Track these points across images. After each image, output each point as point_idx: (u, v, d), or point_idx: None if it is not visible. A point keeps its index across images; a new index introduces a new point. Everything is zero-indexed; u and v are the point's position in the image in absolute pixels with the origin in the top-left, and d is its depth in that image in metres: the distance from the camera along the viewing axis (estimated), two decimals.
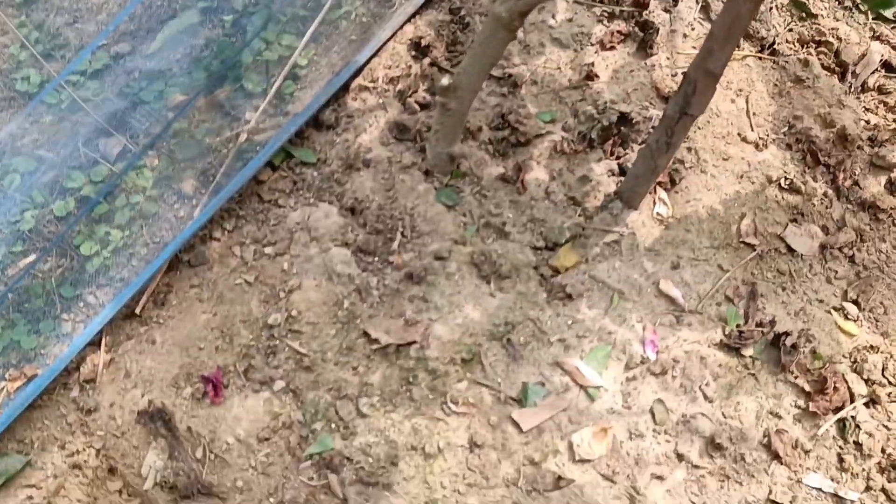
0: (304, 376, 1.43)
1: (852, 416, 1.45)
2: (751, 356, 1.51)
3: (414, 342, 1.47)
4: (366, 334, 1.48)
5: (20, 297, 1.54)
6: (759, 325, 1.54)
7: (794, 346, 1.50)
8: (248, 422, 1.38)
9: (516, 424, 1.41)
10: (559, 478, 1.35)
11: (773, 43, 1.93)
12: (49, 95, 1.84)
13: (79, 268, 1.58)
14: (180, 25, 2.00)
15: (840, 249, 1.67)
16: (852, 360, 1.53)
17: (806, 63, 1.89)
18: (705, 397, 1.45)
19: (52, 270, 1.57)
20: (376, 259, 1.61)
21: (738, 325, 1.54)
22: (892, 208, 1.70)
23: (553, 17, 1.90)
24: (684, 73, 1.36)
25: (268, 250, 1.60)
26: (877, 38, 1.98)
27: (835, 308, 1.61)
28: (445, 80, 1.54)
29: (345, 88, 1.82)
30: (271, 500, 1.32)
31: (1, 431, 1.33)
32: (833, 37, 1.94)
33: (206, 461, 1.35)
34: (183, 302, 1.53)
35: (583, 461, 1.37)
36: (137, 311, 1.50)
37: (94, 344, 1.47)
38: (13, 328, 1.50)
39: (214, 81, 1.86)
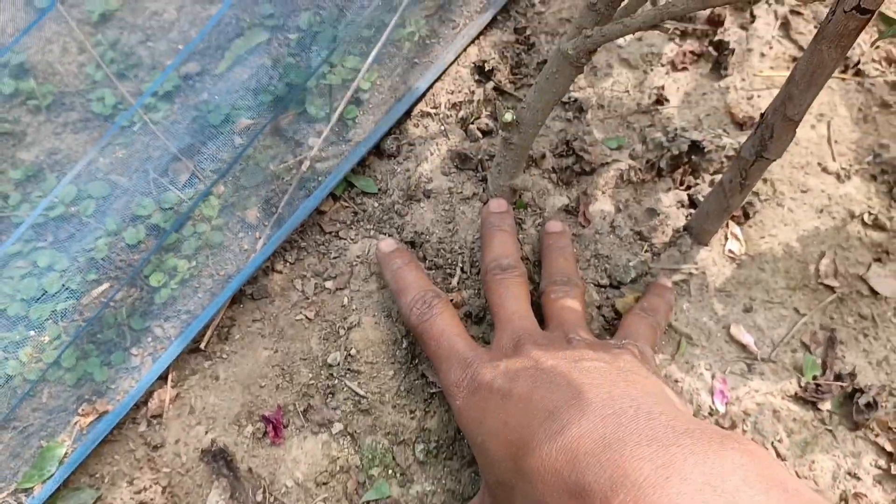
0: (362, 419, 1.38)
1: None
2: (828, 410, 1.38)
3: None
4: (423, 376, 1.42)
5: (93, 328, 1.52)
6: (838, 377, 1.40)
7: (875, 402, 1.36)
8: (306, 465, 1.34)
9: None
10: None
11: (858, 63, 1.75)
12: (121, 117, 1.81)
13: (148, 299, 1.56)
14: (247, 44, 1.95)
15: None
16: None
17: (894, 86, 1.71)
18: (778, 454, 1.33)
19: (123, 301, 1.55)
20: None
21: (814, 377, 1.41)
22: None
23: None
24: (761, 115, 1.22)
25: (328, 284, 1.54)
26: None
27: None
28: (508, 116, 1.43)
29: (407, 114, 1.73)
30: None
31: (75, 468, 1.32)
32: None
33: (266, 503, 1.31)
34: (245, 337, 1.49)
35: None
36: (202, 345, 1.47)
37: (161, 378, 1.44)
38: (87, 359, 1.48)
39: (279, 106, 1.80)
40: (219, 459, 1.33)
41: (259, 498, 1.30)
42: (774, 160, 1.25)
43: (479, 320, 1.45)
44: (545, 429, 0.89)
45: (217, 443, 1.33)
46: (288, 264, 1.59)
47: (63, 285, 1.57)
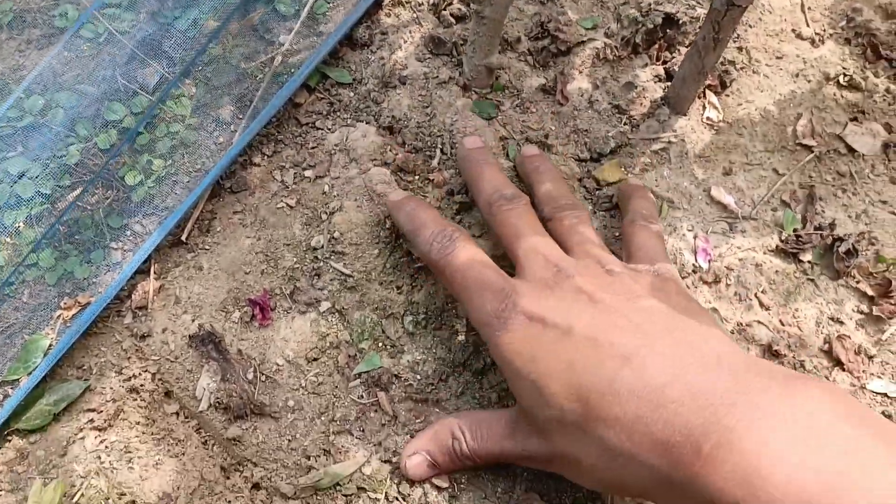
0: (350, 296, 1.35)
1: None
2: (809, 261, 1.37)
3: None
4: (409, 253, 1.39)
5: (70, 230, 1.47)
6: (818, 228, 1.39)
7: (855, 249, 1.35)
8: (296, 343, 1.31)
9: None
10: None
11: None
12: (86, 29, 1.74)
13: (125, 198, 1.51)
14: None
15: None
16: None
17: None
18: (761, 305, 1.33)
19: (99, 202, 1.50)
20: (417, 177, 1.49)
21: (795, 230, 1.39)
22: None
23: None
24: None
25: (308, 173, 1.50)
26: None
27: None
28: None
29: (377, 5, 1.67)
30: (322, 418, 1.26)
31: (60, 358, 1.29)
32: None
33: (257, 382, 1.28)
34: (227, 228, 1.45)
35: None
36: (184, 237, 1.42)
37: (144, 272, 1.40)
38: (66, 259, 1.44)
39: (247, 4, 1.74)
40: (207, 343, 1.30)
41: (250, 377, 1.28)
42: (746, 7, 1.21)
43: (463, 204, 1.42)
44: (623, 377, 0.84)
45: (204, 327, 1.30)
46: (266, 157, 1.54)
47: (37, 191, 1.52)
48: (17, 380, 1.27)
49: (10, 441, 1.23)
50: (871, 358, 1.25)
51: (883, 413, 1.20)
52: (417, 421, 1.25)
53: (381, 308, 1.34)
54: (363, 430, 1.25)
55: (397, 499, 1.19)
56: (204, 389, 1.28)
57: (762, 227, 1.40)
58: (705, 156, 1.49)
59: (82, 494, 1.18)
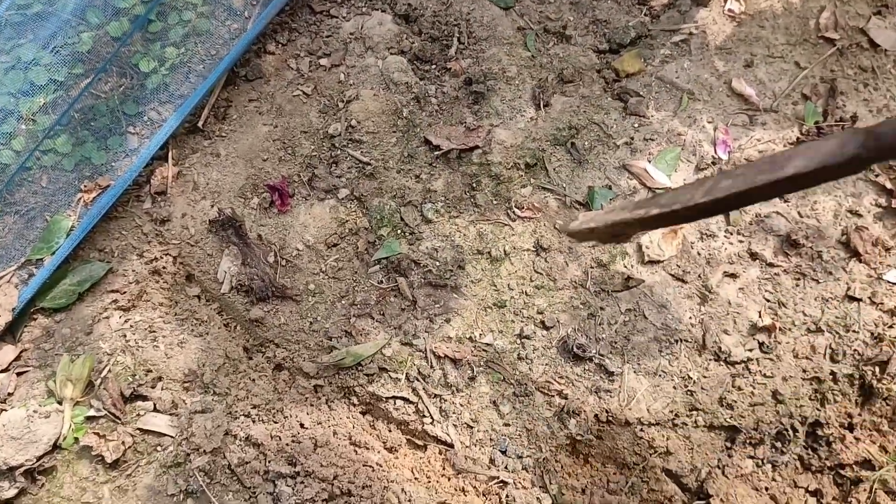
0: (368, 184, 1.27)
1: None
2: None
3: (476, 147, 1.28)
4: (427, 141, 1.30)
5: (87, 116, 1.38)
6: (840, 121, 1.30)
7: None
8: (315, 229, 1.24)
9: None
10: (628, 278, 1.19)
11: None
12: None
13: (139, 85, 1.40)
14: None
15: None
16: None
17: None
18: (780, 197, 1.25)
19: (113, 90, 1.40)
20: (434, 66, 1.38)
21: (816, 123, 1.30)
22: None
23: None
24: None
25: (323, 62, 1.39)
26: None
27: None
28: None
29: None
30: (343, 301, 1.20)
31: (82, 239, 1.21)
32: None
33: (277, 266, 1.22)
34: (243, 115, 1.35)
35: (652, 262, 1.20)
36: (200, 124, 1.33)
37: (162, 158, 1.32)
38: (82, 145, 1.35)
39: None
40: (227, 228, 1.23)
41: (271, 261, 1.22)
42: None
43: (480, 86, 1.32)
44: None
45: (224, 212, 1.23)
46: (280, 45, 1.42)
47: (50, 78, 1.41)
48: (41, 259, 1.20)
49: (35, 319, 1.18)
50: (888, 250, 1.19)
51: None
52: (436, 306, 1.20)
53: (399, 196, 1.26)
54: (383, 314, 1.20)
55: (417, 379, 1.15)
56: (225, 273, 1.22)
57: (783, 119, 1.31)
58: (726, 48, 1.38)
59: (109, 370, 1.13)
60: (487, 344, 1.16)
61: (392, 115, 1.31)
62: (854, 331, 1.13)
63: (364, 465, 1.06)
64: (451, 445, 1.10)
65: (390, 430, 1.12)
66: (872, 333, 1.12)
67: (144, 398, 1.12)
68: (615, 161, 1.28)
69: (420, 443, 1.12)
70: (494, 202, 1.25)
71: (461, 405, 1.13)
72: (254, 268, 1.20)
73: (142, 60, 1.42)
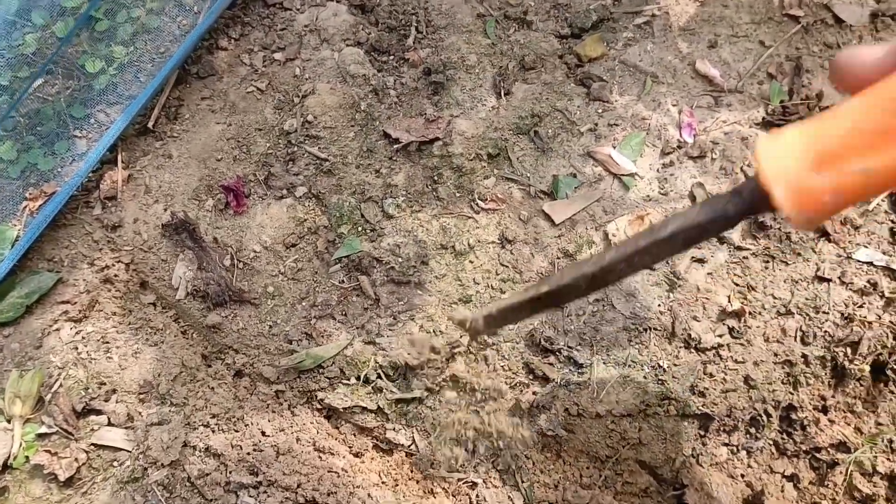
0: (326, 181, 1.21)
1: None
2: None
3: (436, 139, 1.22)
4: (386, 135, 1.24)
5: (32, 121, 1.30)
6: (805, 99, 1.26)
7: None
8: (273, 229, 1.18)
9: (548, 218, 1.19)
10: None
11: None
12: None
13: (86, 87, 1.33)
14: None
15: (893, 17, 1.34)
16: None
17: None
18: (747, 178, 1.21)
19: (60, 92, 1.32)
20: (391, 57, 1.32)
21: (781, 102, 1.26)
22: None
23: None
24: None
25: (277, 56, 1.32)
26: None
27: None
28: None
29: None
30: (303, 303, 1.14)
31: (28, 249, 1.14)
32: None
33: (234, 269, 1.16)
34: (196, 115, 1.28)
35: None
36: (150, 125, 1.26)
37: (112, 162, 1.25)
38: (28, 151, 1.27)
39: None
40: (181, 232, 1.17)
41: (227, 264, 1.15)
42: None
43: (439, 76, 1.26)
44: None
45: (177, 216, 1.16)
46: (233, 40, 1.36)
47: None
48: None
49: None
50: (857, 228, 1.15)
51: (868, 282, 1.10)
52: (400, 303, 1.15)
53: (359, 192, 1.20)
54: (345, 314, 1.14)
55: (380, 377, 1.09)
56: (180, 278, 1.16)
57: (748, 100, 1.26)
58: (690, 28, 1.33)
59: (61, 384, 1.07)
60: (453, 340, 1.11)
61: (350, 109, 1.25)
62: (824, 312, 1.09)
63: (329, 472, 1.01)
64: (412, 454, 1.05)
65: (355, 435, 1.07)
66: (843, 314, 1.09)
67: (98, 412, 1.05)
68: (579, 148, 1.23)
69: (385, 447, 1.07)
70: (457, 195, 1.20)
71: (426, 406, 1.07)
72: (210, 272, 1.14)
73: (88, 61, 1.34)
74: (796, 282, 1.11)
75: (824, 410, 1.05)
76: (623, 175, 1.20)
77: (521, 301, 0.74)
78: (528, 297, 0.73)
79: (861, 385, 1.07)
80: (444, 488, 1.02)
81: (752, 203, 0.58)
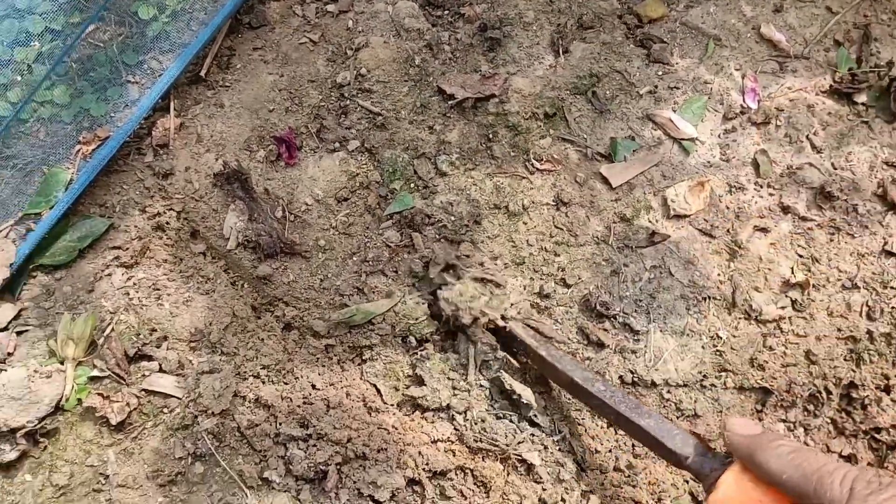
0: (379, 135, 1.15)
1: None
2: (864, 103, 1.15)
3: (492, 96, 1.15)
4: (440, 91, 1.17)
5: (85, 66, 1.25)
6: (875, 67, 1.17)
7: None
8: (325, 182, 1.13)
9: (605, 181, 1.12)
10: (653, 233, 1.08)
11: None
12: None
13: (139, 34, 1.27)
14: None
15: None
16: None
17: None
18: (813, 147, 1.13)
19: (112, 38, 1.27)
20: (446, 12, 1.25)
21: (850, 70, 1.18)
22: None
23: None
24: None
25: (330, 7, 1.25)
26: None
27: None
28: None
29: None
30: (355, 258, 1.10)
31: (81, 193, 1.10)
32: None
33: (286, 221, 1.11)
34: (248, 65, 1.22)
35: (678, 216, 1.09)
36: (203, 74, 1.20)
37: (164, 110, 1.19)
38: (81, 96, 1.22)
39: None
40: (233, 182, 1.12)
41: (279, 216, 1.11)
42: None
43: (495, 32, 1.19)
44: None
45: (230, 165, 1.11)
46: None
47: (46, 27, 1.28)
48: (39, 213, 1.09)
49: (34, 277, 1.07)
50: None
51: None
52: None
53: (412, 148, 1.14)
54: (396, 271, 1.09)
55: (426, 339, 1.05)
56: (231, 228, 1.11)
57: (814, 66, 1.18)
58: None
59: (112, 329, 1.03)
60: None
61: (403, 64, 1.18)
62: (892, 287, 1.02)
63: (379, 428, 0.97)
64: (457, 426, 1.00)
65: (404, 396, 1.03)
66: None
67: (149, 358, 1.02)
68: (638, 111, 1.16)
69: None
70: (512, 154, 1.13)
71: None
72: (261, 223, 1.09)
73: (141, 7, 1.28)
74: (862, 255, 1.04)
75: (887, 390, 0.99)
76: (683, 139, 1.13)
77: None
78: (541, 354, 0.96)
79: None
80: (493, 452, 0.98)
81: (699, 472, 0.74)
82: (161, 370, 1.01)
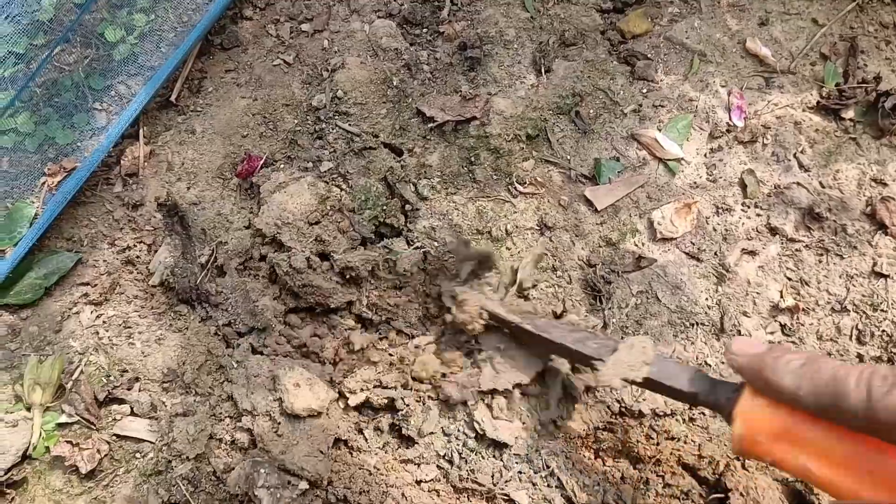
0: (356, 161, 1.09)
1: None
2: (851, 119, 1.10)
3: (473, 118, 1.09)
4: (419, 113, 1.11)
5: (49, 92, 1.17)
6: (862, 82, 1.12)
7: None
8: (295, 207, 1.07)
9: (590, 203, 1.07)
10: (640, 258, 1.02)
11: None
12: None
13: (106, 57, 1.20)
14: None
15: None
16: None
17: None
18: (801, 166, 1.08)
19: (78, 62, 1.19)
20: (425, 30, 1.19)
21: (836, 85, 1.13)
22: None
23: None
24: None
25: (305, 27, 1.19)
26: None
27: None
28: None
29: None
30: None
31: (47, 228, 1.03)
32: None
33: (210, 267, 1.05)
34: (219, 88, 1.15)
35: (665, 239, 1.04)
36: (173, 98, 1.14)
37: (133, 137, 1.12)
38: (46, 124, 1.15)
39: None
40: (173, 215, 1.04)
41: (203, 261, 1.03)
42: None
43: (475, 51, 1.13)
44: None
45: (171, 198, 1.03)
46: (258, 10, 1.22)
47: (8, 51, 1.20)
48: (3, 251, 1.02)
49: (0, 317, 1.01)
50: None
51: None
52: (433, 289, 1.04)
53: (391, 171, 1.08)
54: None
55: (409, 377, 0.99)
56: (160, 263, 1.02)
57: (801, 81, 1.13)
58: (739, 4, 1.18)
59: (82, 371, 0.96)
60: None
61: (381, 85, 1.12)
62: (882, 310, 0.98)
63: (360, 469, 0.91)
64: (447, 469, 0.94)
65: (387, 434, 0.97)
66: None
67: (121, 401, 0.95)
68: (623, 130, 1.10)
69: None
70: (494, 177, 1.07)
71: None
72: (190, 264, 1.01)
73: (108, 29, 1.21)
74: (852, 277, 0.99)
75: None
76: (669, 160, 1.07)
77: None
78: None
79: None
80: (478, 491, 0.92)
81: (716, 404, 0.67)
82: (133, 413, 0.95)
